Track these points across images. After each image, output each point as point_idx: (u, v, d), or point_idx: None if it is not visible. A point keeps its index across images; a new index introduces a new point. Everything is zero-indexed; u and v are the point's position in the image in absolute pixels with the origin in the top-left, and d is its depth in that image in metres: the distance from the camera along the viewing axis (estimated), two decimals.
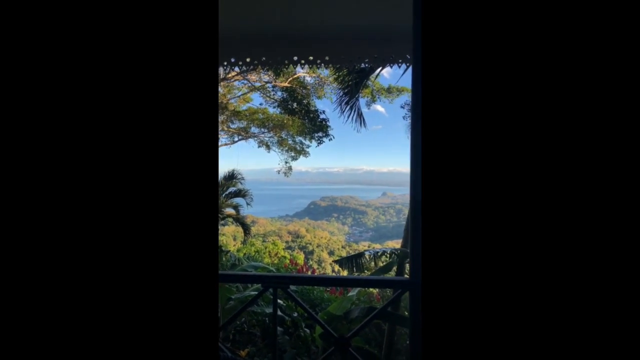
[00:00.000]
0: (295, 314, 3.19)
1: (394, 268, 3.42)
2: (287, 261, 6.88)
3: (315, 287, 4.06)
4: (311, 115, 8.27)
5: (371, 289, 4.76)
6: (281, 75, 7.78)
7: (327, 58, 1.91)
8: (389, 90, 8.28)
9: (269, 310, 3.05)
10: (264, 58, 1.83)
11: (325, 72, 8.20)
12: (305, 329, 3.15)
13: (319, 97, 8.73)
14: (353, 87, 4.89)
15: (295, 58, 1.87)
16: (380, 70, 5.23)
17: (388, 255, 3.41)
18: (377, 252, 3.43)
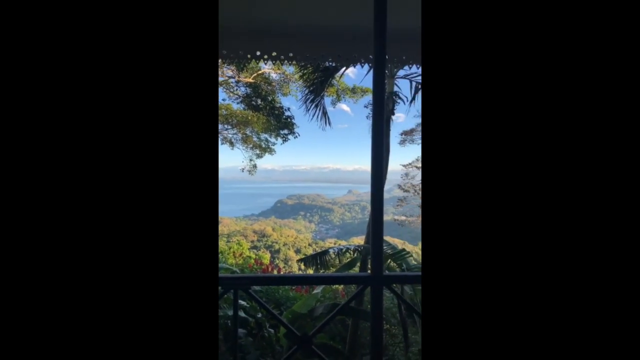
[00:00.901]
0: (260, 315, 3.14)
1: (358, 264, 3.50)
2: (252, 261, 6.74)
3: (281, 286, 4.02)
4: (276, 112, 8.15)
5: (336, 286, 4.83)
6: (245, 70, 7.57)
7: (290, 54, 1.88)
8: (353, 90, 8.43)
9: (231, 312, 2.96)
10: (224, 51, 1.76)
11: (290, 69, 8.13)
12: (270, 329, 3.11)
13: (284, 95, 8.62)
14: (318, 85, 4.90)
15: (258, 53, 1.83)
16: (345, 70, 5.31)
17: (352, 252, 3.48)
18: (342, 248, 3.49)
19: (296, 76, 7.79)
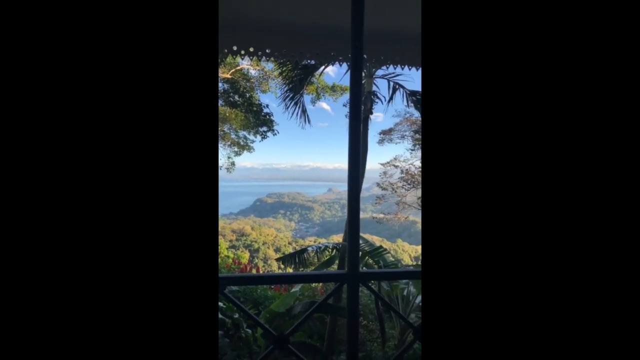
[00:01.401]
0: (237, 315, 3.09)
1: (337, 261, 3.53)
2: (230, 261, 6.62)
3: (259, 285, 3.97)
4: (254, 109, 8.02)
5: (315, 284, 4.85)
6: (222, 65, 7.37)
7: (268, 50, 1.85)
8: (333, 89, 8.45)
9: None
10: None
11: (270, 66, 8.02)
12: (247, 330, 3.07)
13: (263, 91, 8.50)
14: (297, 83, 4.87)
15: (235, 48, 1.78)
16: (325, 68, 5.31)
17: (330, 250, 3.50)
18: (320, 246, 3.50)
19: (275, 73, 7.70)
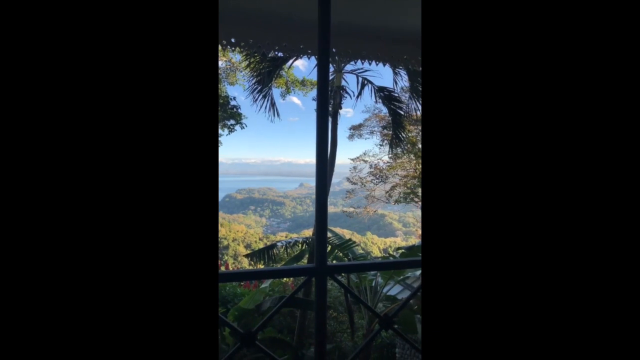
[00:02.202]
0: None
1: (307, 256, 3.54)
2: None
3: (227, 282, 3.88)
4: (221, 101, 7.73)
5: (285, 279, 4.83)
6: None
7: (233, 40, 1.78)
8: (303, 83, 8.38)
9: None
10: None
11: (237, 58, 7.75)
12: None
13: (230, 84, 8.21)
14: (266, 75, 4.76)
15: None
16: (294, 61, 5.24)
17: (300, 244, 3.50)
18: (290, 241, 3.49)
19: (243, 65, 7.46)
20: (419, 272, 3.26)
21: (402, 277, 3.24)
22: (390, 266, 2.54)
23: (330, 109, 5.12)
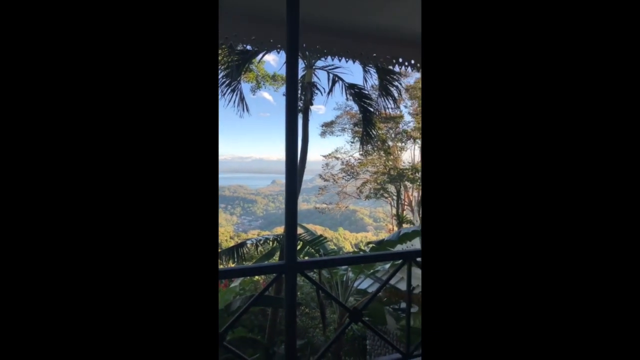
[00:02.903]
0: None
1: (278, 253, 3.50)
2: None
3: None
4: None
5: (257, 277, 4.76)
6: None
7: None
8: (274, 78, 8.24)
9: None
10: None
11: None
12: None
13: None
14: (234, 68, 4.62)
15: None
16: (263, 55, 5.13)
17: (271, 242, 3.46)
18: (260, 239, 3.43)
19: None
20: (387, 266, 3.36)
21: (372, 270, 3.33)
22: (359, 260, 2.60)
23: (301, 105, 5.10)
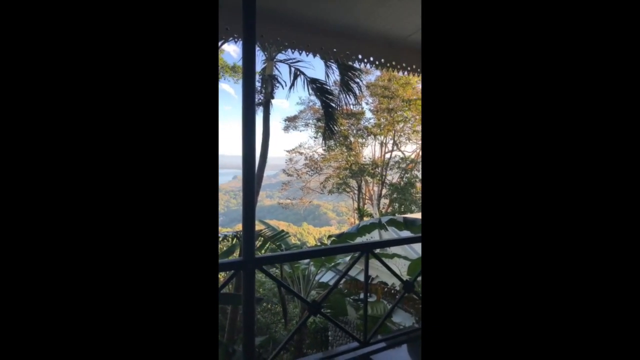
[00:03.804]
0: None
1: (238, 250, 3.41)
2: None
3: None
4: None
5: None
6: None
7: None
8: (234, 69, 7.93)
9: None
10: None
11: None
12: None
13: None
14: None
15: None
16: (222, 44, 4.90)
17: (231, 238, 3.36)
18: (220, 236, 3.31)
19: None
20: (348, 258, 3.45)
21: (333, 263, 3.39)
22: (317, 253, 2.62)
23: (262, 98, 4.97)
